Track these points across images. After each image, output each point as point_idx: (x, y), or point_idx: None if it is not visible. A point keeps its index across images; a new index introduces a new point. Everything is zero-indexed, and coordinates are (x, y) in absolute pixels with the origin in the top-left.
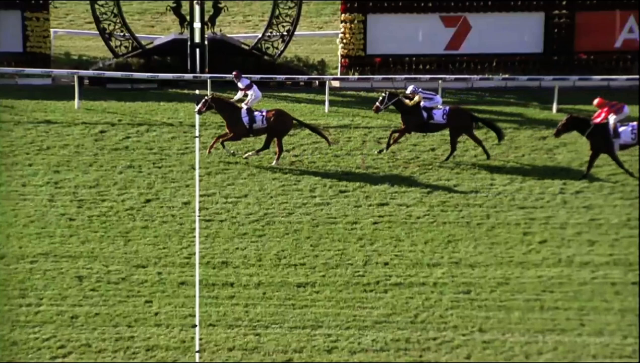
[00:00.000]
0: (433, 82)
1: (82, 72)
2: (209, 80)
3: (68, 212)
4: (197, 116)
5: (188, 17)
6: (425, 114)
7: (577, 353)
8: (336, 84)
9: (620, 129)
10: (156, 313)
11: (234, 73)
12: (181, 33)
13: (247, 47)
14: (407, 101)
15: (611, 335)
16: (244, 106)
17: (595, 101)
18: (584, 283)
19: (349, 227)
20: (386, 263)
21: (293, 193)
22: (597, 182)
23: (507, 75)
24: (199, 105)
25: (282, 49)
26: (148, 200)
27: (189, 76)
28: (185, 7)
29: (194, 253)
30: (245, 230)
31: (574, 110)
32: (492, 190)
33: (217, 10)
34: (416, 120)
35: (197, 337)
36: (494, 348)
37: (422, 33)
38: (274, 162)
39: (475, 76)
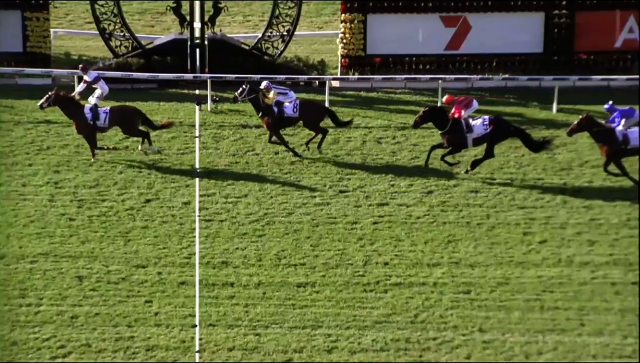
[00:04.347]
0: (433, 82)
1: None
2: (209, 80)
3: (68, 212)
4: (197, 116)
5: (188, 17)
6: (276, 110)
7: (577, 353)
8: (336, 84)
9: (473, 123)
10: (156, 313)
11: (80, 66)
12: (181, 33)
13: (247, 47)
14: (266, 99)
15: (611, 335)
16: (90, 101)
17: (444, 98)
18: (584, 283)
19: (349, 227)
20: (386, 263)
21: (293, 194)
22: (597, 182)
23: (507, 75)
24: (42, 101)
25: (282, 49)
26: (148, 200)
27: (189, 76)
28: (185, 7)
29: (194, 253)
30: (245, 230)
31: (574, 111)
32: (492, 190)
33: (217, 10)
34: (272, 118)
35: (197, 337)
36: (494, 348)
37: (422, 33)
38: (140, 146)
39: (475, 76)
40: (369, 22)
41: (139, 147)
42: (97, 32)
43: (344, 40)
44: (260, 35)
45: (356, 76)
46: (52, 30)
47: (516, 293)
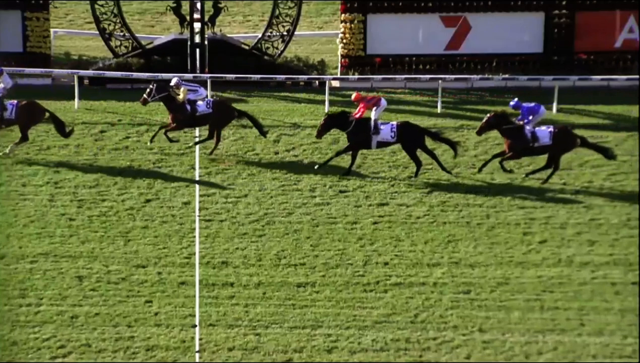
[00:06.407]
0: (433, 82)
1: (82, 72)
2: (209, 80)
3: (68, 212)
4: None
5: (188, 17)
6: (189, 107)
7: (577, 353)
8: (336, 84)
9: (382, 127)
10: (156, 313)
11: None
12: (181, 33)
13: (247, 47)
14: (177, 97)
15: (611, 335)
16: None
17: (353, 96)
18: (584, 283)
19: (349, 227)
20: (386, 263)
21: (293, 193)
22: (597, 182)
23: (507, 75)
24: None
25: (282, 49)
26: (148, 200)
27: (189, 76)
28: (185, 7)
29: (194, 253)
30: (245, 230)
31: (574, 111)
32: (492, 190)
33: (217, 10)
34: (183, 115)
35: (197, 337)
36: (494, 348)
37: (422, 33)
38: (9, 147)
39: (475, 76)
40: (369, 22)
41: (10, 146)
42: (97, 32)
43: (344, 40)
44: (260, 35)
45: (356, 76)
46: (52, 30)
47: (516, 293)
